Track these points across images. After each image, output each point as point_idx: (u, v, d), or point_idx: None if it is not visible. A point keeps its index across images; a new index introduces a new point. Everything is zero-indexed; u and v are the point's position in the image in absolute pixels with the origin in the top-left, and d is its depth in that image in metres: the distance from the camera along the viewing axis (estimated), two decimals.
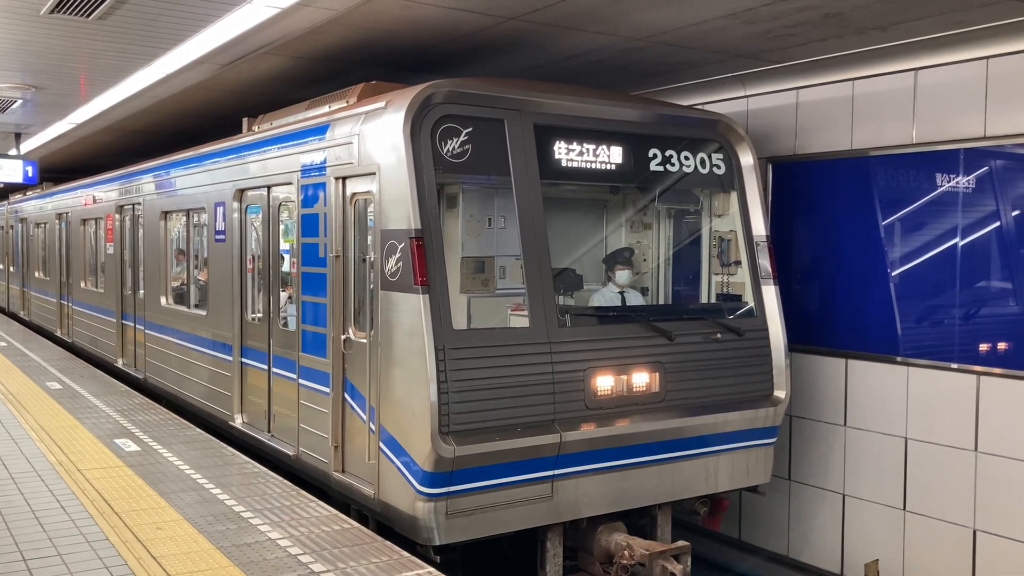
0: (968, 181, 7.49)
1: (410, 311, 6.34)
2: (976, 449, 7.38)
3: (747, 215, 8.11)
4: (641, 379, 7.17)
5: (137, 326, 13.30)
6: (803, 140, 8.72)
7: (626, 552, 6.96)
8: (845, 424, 8.44)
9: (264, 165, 8.90)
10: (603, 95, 7.86)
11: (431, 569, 5.63)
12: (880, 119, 8.02)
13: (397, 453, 6.49)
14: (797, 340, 8.36)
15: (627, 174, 7.72)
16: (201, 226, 11.00)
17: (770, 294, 7.98)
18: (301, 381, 8.03)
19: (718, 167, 8.09)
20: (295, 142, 8.21)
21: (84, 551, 5.74)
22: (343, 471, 7.38)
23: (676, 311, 8.27)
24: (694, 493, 7.64)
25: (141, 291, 13.18)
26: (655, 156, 7.71)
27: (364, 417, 7.02)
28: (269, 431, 8.83)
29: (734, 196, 8.16)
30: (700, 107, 9.27)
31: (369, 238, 7.11)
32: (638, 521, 7.66)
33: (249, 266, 9.47)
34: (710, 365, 7.57)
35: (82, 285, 16.93)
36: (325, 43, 8.32)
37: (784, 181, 8.91)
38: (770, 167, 8.96)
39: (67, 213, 18.29)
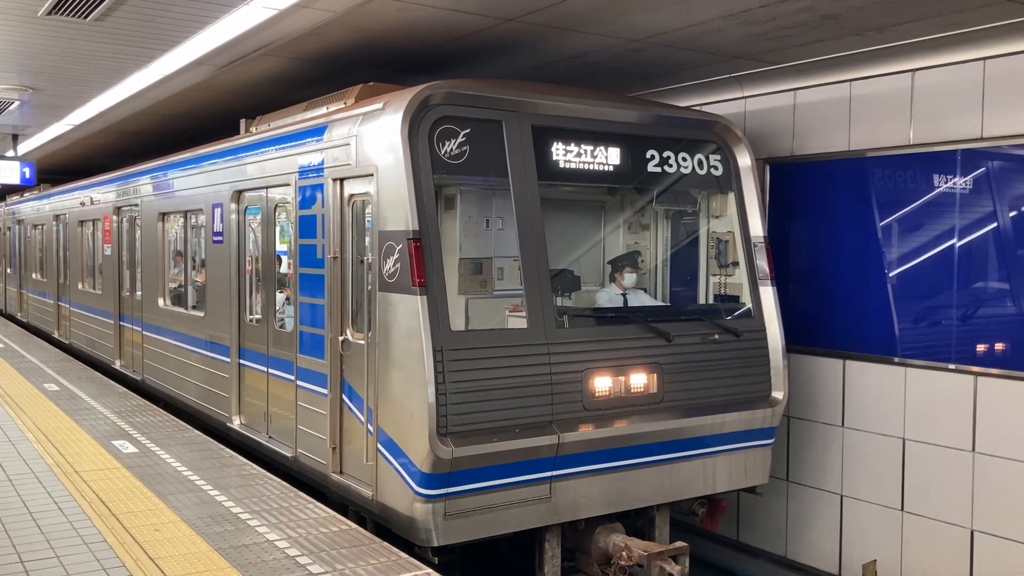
0: (965, 182, 7.50)
1: (408, 312, 6.35)
2: (974, 450, 7.39)
3: (745, 216, 8.12)
4: (639, 380, 7.17)
5: (135, 328, 13.29)
6: (800, 141, 8.73)
7: (624, 553, 6.97)
8: (843, 425, 8.44)
9: (262, 166, 8.90)
10: (601, 96, 7.87)
11: (429, 570, 5.62)
12: (877, 120, 8.03)
13: (395, 454, 6.49)
14: (795, 341, 8.36)
15: (625, 175, 7.73)
16: (199, 227, 11.00)
17: (768, 295, 7.99)
18: (299, 382, 8.03)
19: (716, 168, 8.10)
20: (293, 143, 8.21)
21: (82, 553, 5.73)
22: (341, 472, 7.38)
23: (674, 312, 8.27)
24: (692, 494, 7.64)
25: (139, 293, 13.17)
26: (653, 157, 7.72)
27: (362, 418, 7.02)
28: (267, 433, 8.82)
29: (732, 197, 8.17)
30: (697, 108, 9.28)
31: (367, 239, 7.11)
32: (636, 522, 7.66)
33: (247, 267, 9.46)
34: (708, 366, 7.57)
35: (80, 287, 16.92)
36: (323, 44, 8.32)
37: (782, 182, 8.92)
38: (767, 168, 8.97)
39: (64, 214, 18.27)
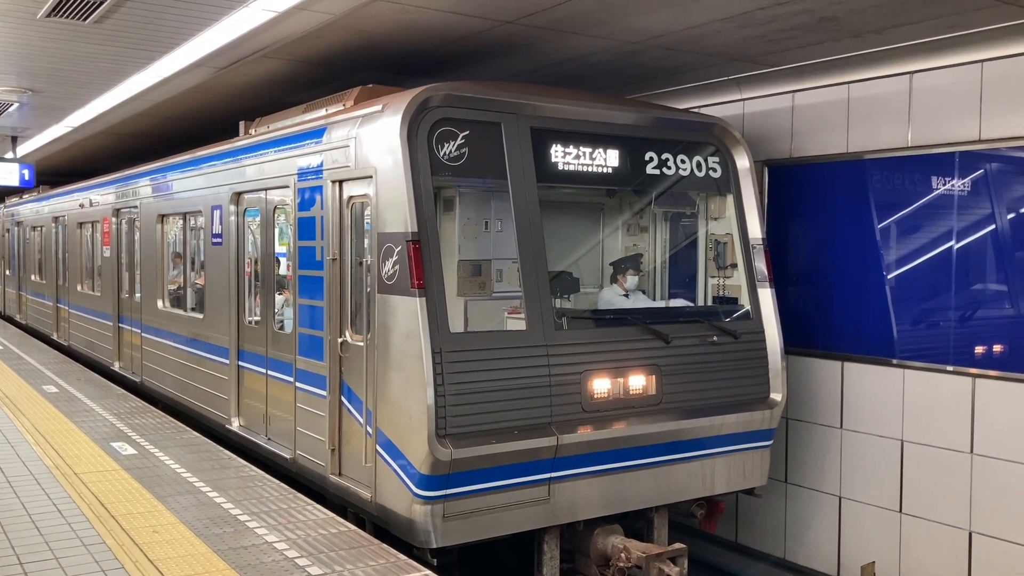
0: (963, 184, 7.51)
1: (407, 314, 6.35)
2: (972, 451, 7.39)
3: (743, 218, 8.13)
4: (638, 382, 7.17)
5: (134, 329, 13.29)
6: (799, 143, 8.74)
7: (623, 555, 6.97)
8: (841, 426, 8.45)
9: (261, 168, 8.90)
10: (599, 98, 7.88)
11: (428, 572, 5.62)
12: (875, 122, 8.04)
13: (394, 456, 6.49)
14: (793, 343, 8.37)
15: (623, 177, 7.73)
16: (198, 229, 11.00)
17: (766, 297, 8.00)
18: (298, 384, 8.03)
19: (714, 170, 8.10)
20: (292, 145, 8.21)
21: (81, 555, 5.73)
22: (340, 474, 7.38)
23: (672, 314, 8.27)
24: (691, 496, 7.65)
25: (138, 294, 13.17)
26: (651, 159, 7.72)
27: (361, 420, 7.02)
28: (266, 434, 8.82)
29: (730, 199, 8.17)
30: (696, 110, 9.29)
31: (366, 241, 7.12)
32: (635, 524, 7.66)
33: (246, 269, 9.47)
34: (706, 368, 7.58)
35: (79, 288, 16.91)
36: (322, 47, 8.33)
37: (780, 184, 8.93)
38: (766, 170, 8.98)
39: (63, 216, 18.27)
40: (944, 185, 7.64)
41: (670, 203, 8.61)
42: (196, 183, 10.74)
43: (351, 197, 7.25)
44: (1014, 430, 7.09)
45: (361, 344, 7.08)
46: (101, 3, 7.10)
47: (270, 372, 8.74)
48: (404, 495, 6.39)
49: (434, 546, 6.34)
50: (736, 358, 7.76)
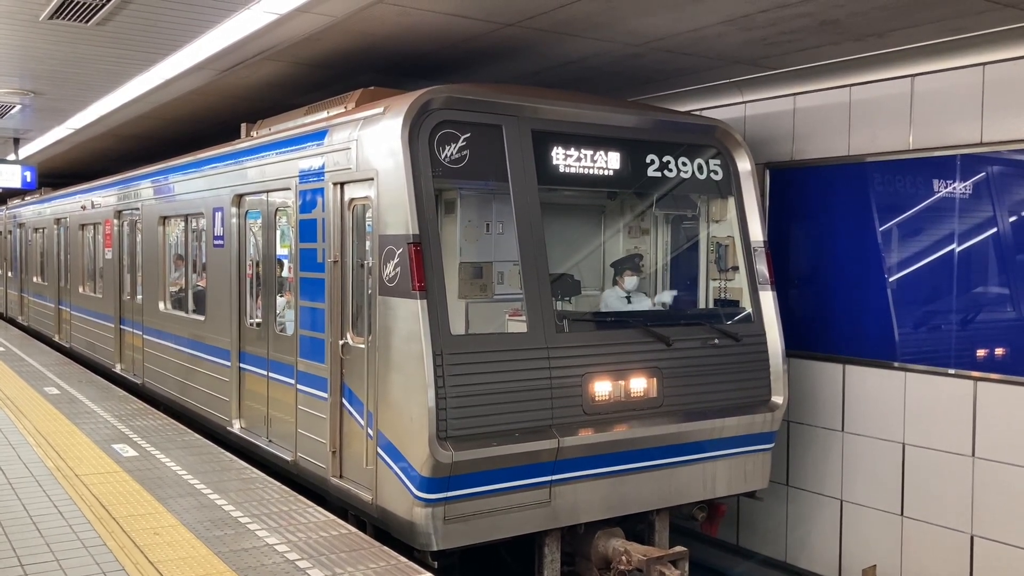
0: (965, 187, 7.51)
1: (408, 316, 6.35)
2: (973, 454, 7.39)
3: (744, 220, 8.12)
4: (639, 384, 7.17)
5: (135, 331, 13.30)
6: (800, 146, 8.74)
7: (623, 557, 6.96)
8: (843, 430, 8.44)
9: (262, 170, 8.91)
10: (601, 101, 7.88)
11: (429, 575, 5.62)
12: (877, 125, 8.04)
13: (395, 458, 6.49)
14: (794, 345, 8.37)
15: (625, 180, 7.73)
16: (199, 231, 11.01)
17: (767, 299, 7.99)
18: (299, 386, 8.03)
19: (715, 173, 8.10)
20: (293, 147, 8.22)
21: (81, 556, 5.74)
22: (341, 476, 7.38)
23: (674, 316, 8.27)
24: (692, 499, 7.64)
25: (139, 296, 13.18)
26: (652, 162, 7.73)
27: (362, 422, 7.02)
28: (267, 436, 8.82)
29: (731, 202, 8.17)
30: (697, 113, 9.29)
31: (367, 243, 7.12)
32: (636, 526, 7.65)
33: (247, 271, 9.47)
34: (708, 371, 7.58)
35: (80, 290, 16.93)
36: (323, 49, 8.34)
37: (781, 187, 8.93)
38: (767, 173, 8.98)
39: (65, 218, 18.29)
40: (945, 188, 7.64)
41: (671, 205, 8.61)
42: (198, 185, 10.75)
43: (352, 199, 7.26)
44: (1016, 433, 7.08)
45: (362, 346, 7.08)
46: (103, 5, 7.12)
47: (271, 374, 8.74)
48: (405, 497, 6.39)
49: (435, 549, 6.34)
50: (737, 361, 7.76)
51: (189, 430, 9.87)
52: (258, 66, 9.08)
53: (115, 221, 14.38)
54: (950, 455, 7.54)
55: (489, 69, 8.91)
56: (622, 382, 7.08)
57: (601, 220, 9.22)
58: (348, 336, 7.35)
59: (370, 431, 6.86)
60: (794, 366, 8.50)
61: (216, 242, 10.03)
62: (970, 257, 7.55)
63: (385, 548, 6.09)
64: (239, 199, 9.49)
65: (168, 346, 11.74)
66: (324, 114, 8.18)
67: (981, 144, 7.29)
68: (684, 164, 7.91)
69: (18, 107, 12.34)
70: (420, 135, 6.50)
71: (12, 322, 24.12)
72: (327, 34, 7.74)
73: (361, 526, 7.04)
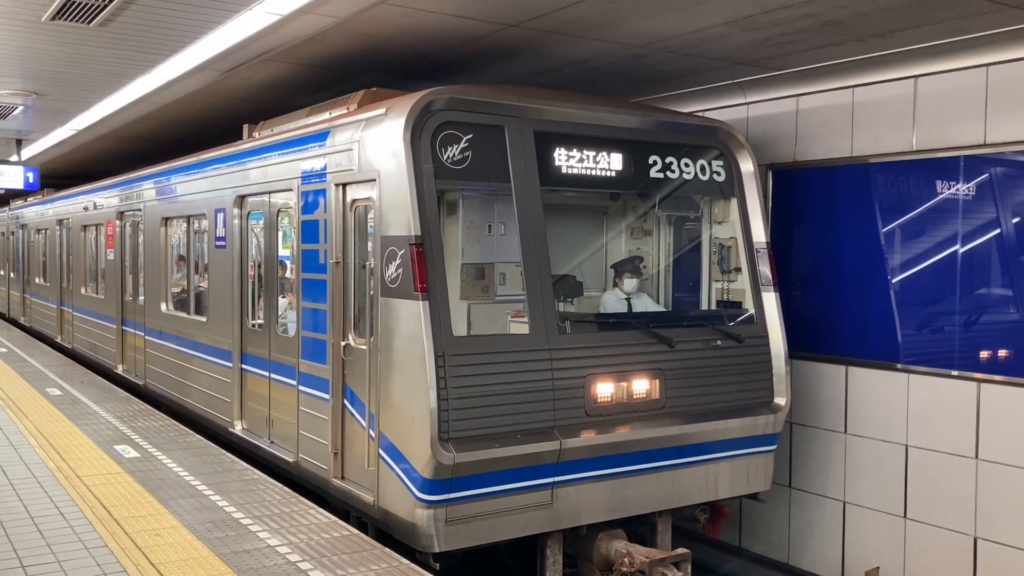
0: (968, 188, 7.49)
1: (410, 317, 6.34)
2: (977, 456, 7.37)
3: (747, 222, 8.11)
4: (641, 386, 7.16)
5: (137, 332, 13.30)
6: (803, 147, 8.73)
7: (626, 559, 6.95)
8: (845, 431, 8.43)
9: (264, 171, 8.91)
10: (603, 102, 7.88)
11: None
12: (880, 126, 8.03)
13: (397, 460, 6.48)
14: (797, 347, 8.35)
15: (627, 181, 7.72)
16: (201, 232, 11.01)
17: (770, 301, 7.98)
18: (301, 387, 8.02)
19: (718, 174, 8.09)
20: (295, 148, 8.22)
21: (83, 558, 5.73)
22: (343, 478, 7.37)
23: (676, 318, 8.26)
24: (694, 500, 7.63)
25: (141, 297, 13.19)
26: (655, 163, 7.72)
27: (364, 424, 7.01)
28: (269, 438, 8.82)
29: (734, 203, 8.16)
30: (700, 114, 9.28)
31: (369, 244, 7.11)
32: (638, 528, 7.64)
33: (250, 272, 9.47)
34: (710, 372, 7.56)
35: (82, 291, 16.94)
36: (325, 50, 8.33)
37: (784, 188, 8.92)
38: (770, 174, 8.96)
39: (68, 219, 18.30)
40: (949, 189, 7.63)
41: (674, 207, 8.60)
42: (200, 186, 10.75)
43: (354, 200, 7.25)
44: (1019, 435, 7.06)
45: (364, 347, 7.07)
46: (105, 6, 7.12)
47: (273, 375, 8.74)
48: (407, 499, 6.38)
49: (437, 550, 6.33)
50: (740, 362, 7.75)
51: (191, 431, 9.87)
52: (260, 67, 9.08)
53: (117, 222, 14.39)
54: (953, 457, 7.52)
55: (491, 70, 8.91)
56: (624, 384, 7.06)
57: (603, 221, 9.21)
58: (350, 337, 7.34)
59: (372, 432, 6.85)
60: (797, 367, 8.49)
61: (218, 243, 10.03)
62: (973, 258, 7.53)
63: (387, 550, 6.08)
64: (241, 200, 9.48)
65: (170, 347, 11.74)
66: (326, 115, 8.18)
67: (985, 145, 7.27)
68: (687, 165, 7.90)
69: (20, 108, 12.35)
70: (422, 136, 6.50)
71: (14, 323, 24.14)
72: (329, 35, 7.73)
73: (363, 528, 7.03)
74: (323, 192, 7.60)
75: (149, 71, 9.64)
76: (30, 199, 22.97)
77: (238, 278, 9.54)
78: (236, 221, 9.54)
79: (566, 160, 7.19)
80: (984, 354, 7.51)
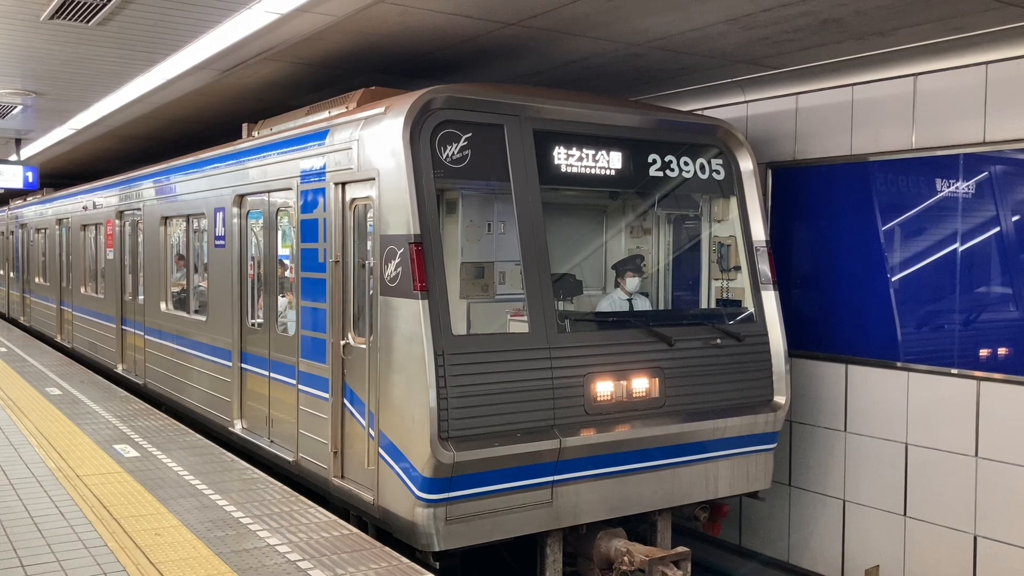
0: (968, 186, 7.49)
1: (409, 316, 6.34)
2: (977, 454, 7.37)
3: (747, 220, 8.11)
4: (641, 385, 7.16)
5: (137, 331, 13.30)
6: (803, 145, 8.73)
7: (626, 558, 6.95)
8: (845, 430, 8.43)
9: (264, 171, 8.91)
10: (602, 100, 7.87)
11: (430, 575, 5.61)
12: (880, 124, 8.02)
13: (396, 459, 6.48)
14: (797, 345, 8.35)
15: (627, 179, 7.72)
16: (201, 231, 11.01)
17: (770, 299, 7.98)
18: (300, 387, 8.02)
19: (718, 172, 8.09)
20: (295, 147, 8.21)
21: (82, 557, 5.73)
22: (342, 477, 7.37)
23: (676, 316, 8.26)
24: (694, 499, 7.63)
25: (141, 297, 13.18)
26: (655, 161, 7.71)
27: (363, 423, 7.01)
28: (268, 437, 8.82)
29: (734, 201, 8.16)
30: (699, 112, 9.27)
31: (368, 243, 7.11)
32: (638, 527, 7.64)
33: (249, 272, 9.47)
34: (710, 371, 7.56)
35: (82, 291, 16.93)
36: (324, 49, 8.33)
37: (784, 186, 8.92)
38: (770, 172, 8.96)
39: (67, 219, 18.30)
40: (948, 187, 7.62)
41: (673, 205, 8.60)
42: (199, 185, 10.75)
43: (354, 199, 7.25)
44: (1019, 433, 7.06)
45: (364, 346, 7.07)
46: (103, 6, 7.11)
47: (273, 374, 8.74)
48: (406, 498, 6.38)
49: (436, 549, 6.33)
50: (740, 361, 7.75)
51: (190, 431, 9.87)
52: (259, 66, 9.07)
53: (117, 221, 14.39)
54: (953, 455, 7.52)
55: (490, 69, 8.91)
56: (624, 382, 7.06)
57: (603, 220, 9.20)
58: (349, 336, 7.34)
59: (372, 431, 6.85)
60: (796, 366, 8.48)
61: (217, 242, 10.03)
62: (973, 257, 7.53)
63: (387, 549, 6.08)
64: (240, 199, 9.48)
65: (170, 346, 11.74)
66: (325, 114, 8.18)
67: (984, 143, 7.27)
68: (686, 164, 7.90)
69: (19, 108, 12.34)
70: (421, 135, 6.49)
71: (14, 323, 24.14)
72: (328, 34, 7.73)
73: (363, 527, 7.03)
74: (322, 191, 7.60)
75: (148, 70, 9.64)
76: (29, 199, 22.96)
77: (237, 277, 9.53)
78: (235, 220, 9.53)
79: (565, 159, 7.19)
80: (984, 352, 7.51)
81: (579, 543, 7.26)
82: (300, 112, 8.91)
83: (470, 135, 6.69)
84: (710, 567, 9.34)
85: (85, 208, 16.66)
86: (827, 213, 8.60)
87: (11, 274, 25.75)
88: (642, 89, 9.71)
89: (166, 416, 10.75)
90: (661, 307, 8.82)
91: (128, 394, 12.21)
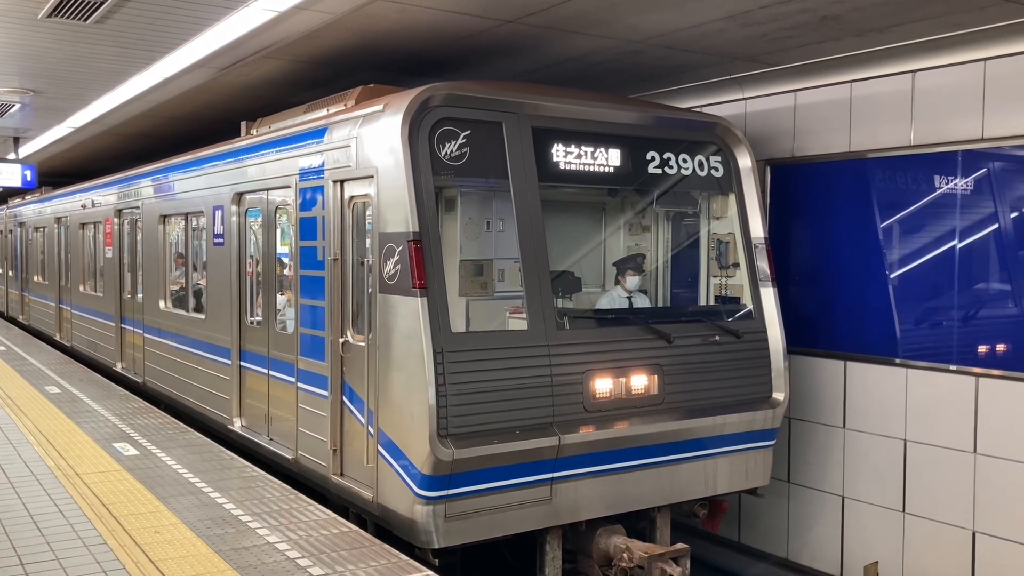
0: (966, 183, 7.49)
1: (408, 314, 6.34)
2: (975, 451, 7.38)
3: (745, 217, 8.11)
4: (640, 381, 7.16)
5: (136, 330, 13.30)
6: (801, 142, 8.73)
7: (625, 555, 6.96)
8: (844, 426, 8.43)
9: (262, 168, 8.90)
10: (601, 98, 7.87)
11: (430, 572, 5.62)
12: (878, 121, 8.03)
13: (396, 456, 6.49)
14: (796, 342, 8.35)
15: (625, 177, 7.72)
16: (200, 230, 11.01)
17: (768, 296, 7.98)
18: (299, 385, 8.03)
19: (716, 169, 8.09)
20: (293, 145, 8.21)
21: (82, 555, 5.73)
22: (342, 474, 7.37)
23: (675, 313, 8.26)
24: (693, 496, 7.63)
25: (140, 295, 13.18)
26: (653, 159, 7.71)
27: (363, 420, 7.02)
28: (268, 435, 8.82)
29: (732, 198, 8.16)
30: (698, 110, 9.27)
31: (367, 241, 7.11)
32: (637, 524, 7.65)
33: (248, 270, 9.47)
34: (709, 367, 7.57)
35: (81, 289, 16.93)
36: (323, 46, 8.32)
37: (782, 183, 8.92)
38: (768, 169, 8.96)
39: (66, 217, 18.29)
40: (947, 184, 7.63)
41: (672, 203, 8.59)
42: (198, 183, 10.74)
43: (352, 197, 7.25)
44: (1017, 429, 7.07)
45: (363, 344, 7.07)
46: (101, 4, 7.10)
47: (272, 372, 8.74)
48: (406, 495, 6.38)
49: (436, 546, 6.33)
50: (738, 357, 7.75)
51: (190, 428, 9.87)
52: (257, 64, 9.07)
53: (115, 220, 14.38)
54: (952, 451, 7.53)
55: (489, 66, 8.90)
56: (623, 379, 7.07)
57: (602, 217, 9.20)
58: (348, 334, 7.34)
59: (371, 429, 6.86)
60: (795, 363, 8.49)
61: (216, 240, 10.03)
62: (971, 253, 7.54)
63: (386, 546, 6.09)
64: (239, 197, 9.48)
65: (169, 345, 11.74)
66: (324, 112, 8.17)
67: (982, 140, 7.27)
68: (685, 161, 7.90)
69: (18, 106, 12.33)
70: (420, 132, 6.49)
71: (13, 321, 24.13)
72: (326, 31, 7.73)
73: (362, 524, 7.03)
74: (321, 189, 7.60)
75: (146, 68, 9.63)
76: (28, 197, 22.95)
77: (236, 275, 9.53)
78: (234, 218, 9.53)
79: (564, 156, 7.19)
80: (982, 348, 7.52)
81: (578, 540, 7.27)
82: (298, 110, 8.91)
83: (469, 132, 6.69)
84: (709, 564, 9.35)
85: (84, 206, 16.65)
86: (826, 210, 8.60)
87: (10, 273, 25.74)
88: (640, 86, 9.71)
89: (165, 414, 10.75)
90: (660, 304, 8.82)
91: (127, 392, 12.21)
